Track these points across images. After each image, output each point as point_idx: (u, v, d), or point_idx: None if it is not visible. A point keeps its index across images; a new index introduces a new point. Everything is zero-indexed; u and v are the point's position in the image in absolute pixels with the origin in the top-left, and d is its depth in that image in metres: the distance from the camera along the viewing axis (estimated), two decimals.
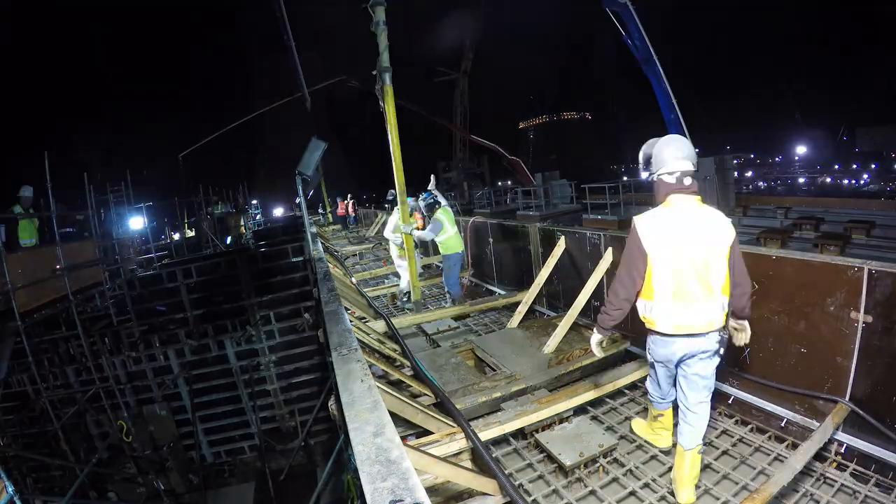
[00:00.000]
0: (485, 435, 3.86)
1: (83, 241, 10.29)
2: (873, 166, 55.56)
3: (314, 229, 11.56)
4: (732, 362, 4.34)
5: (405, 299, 8.41)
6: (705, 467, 3.65)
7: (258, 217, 25.19)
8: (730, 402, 4.33)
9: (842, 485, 3.27)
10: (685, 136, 11.51)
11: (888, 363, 3.19)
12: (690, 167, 2.92)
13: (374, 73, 6.78)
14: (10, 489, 5.46)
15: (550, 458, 3.85)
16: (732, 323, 3.18)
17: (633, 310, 3.22)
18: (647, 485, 3.49)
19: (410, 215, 7.54)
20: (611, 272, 5.68)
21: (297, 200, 13.40)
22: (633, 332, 5.37)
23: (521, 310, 6.86)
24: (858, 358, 3.33)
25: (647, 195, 11.61)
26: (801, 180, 59.52)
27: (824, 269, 3.53)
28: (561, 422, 4.27)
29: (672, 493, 3.30)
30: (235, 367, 8.98)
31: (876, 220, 8.14)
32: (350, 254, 13.43)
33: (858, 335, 3.31)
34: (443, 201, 7.70)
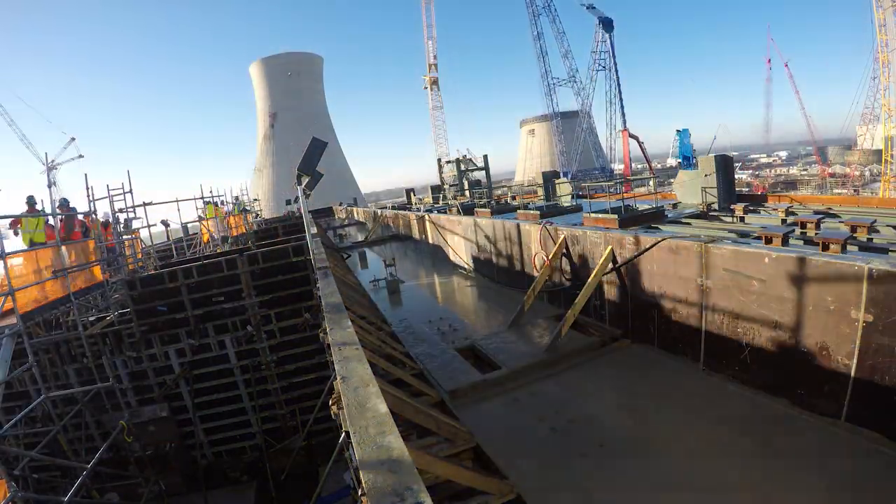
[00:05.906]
0: None
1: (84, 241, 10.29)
2: None
3: (315, 229, 11.57)
4: (733, 361, 4.35)
5: None
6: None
7: (259, 216, 25.15)
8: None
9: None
10: (687, 138, 11.46)
11: (888, 362, 3.19)
12: None
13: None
14: (13, 489, 5.47)
15: None
16: None
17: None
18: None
19: None
20: (610, 270, 5.74)
21: (298, 199, 13.41)
22: (634, 332, 5.50)
23: (522, 309, 6.86)
24: (859, 357, 3.33)
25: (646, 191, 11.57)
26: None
27: (825, 268, 3.53)
28: None
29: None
30: (236, 366, 8.99)
31: (877, 219, 8.12)
32: None
33: (859, 334, 3.31)
34: None
